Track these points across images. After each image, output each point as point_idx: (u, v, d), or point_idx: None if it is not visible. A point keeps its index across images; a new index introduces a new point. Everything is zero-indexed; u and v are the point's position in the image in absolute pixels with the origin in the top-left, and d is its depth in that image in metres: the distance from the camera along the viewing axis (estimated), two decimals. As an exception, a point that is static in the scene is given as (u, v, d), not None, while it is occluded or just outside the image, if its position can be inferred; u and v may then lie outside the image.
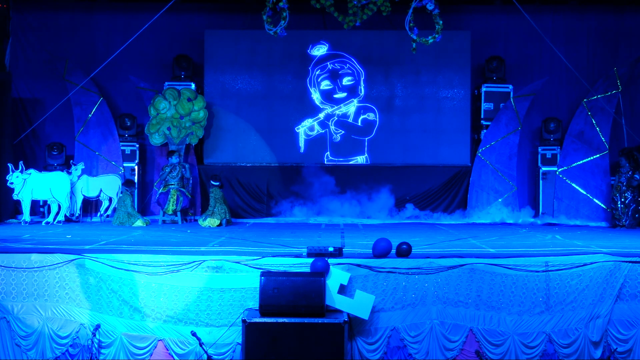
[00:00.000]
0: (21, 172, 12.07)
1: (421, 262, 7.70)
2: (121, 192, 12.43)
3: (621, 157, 12.42)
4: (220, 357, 7.50)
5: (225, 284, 7.59)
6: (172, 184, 12.69)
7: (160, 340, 7.59)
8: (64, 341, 7.66)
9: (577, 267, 7.72)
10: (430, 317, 7.64)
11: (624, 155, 12.42)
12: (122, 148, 13.78)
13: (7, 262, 7.79)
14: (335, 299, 7.33)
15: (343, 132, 14.43)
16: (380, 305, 7.57)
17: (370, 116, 14.47)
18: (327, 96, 14.49)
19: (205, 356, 7.41)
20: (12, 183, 12.03)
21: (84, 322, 7.65)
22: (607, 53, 14.38)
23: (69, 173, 12.60)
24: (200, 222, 12.07)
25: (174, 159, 12.77)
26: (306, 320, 7.04)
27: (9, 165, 12.15)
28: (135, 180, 13.55)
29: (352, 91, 14.49)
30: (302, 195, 13.76)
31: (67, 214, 12.37)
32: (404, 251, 7.84)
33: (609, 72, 13.81)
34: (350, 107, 14.47)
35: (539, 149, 13.86)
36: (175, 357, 7.54)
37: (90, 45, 14.34)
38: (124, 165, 13.70)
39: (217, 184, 12.17)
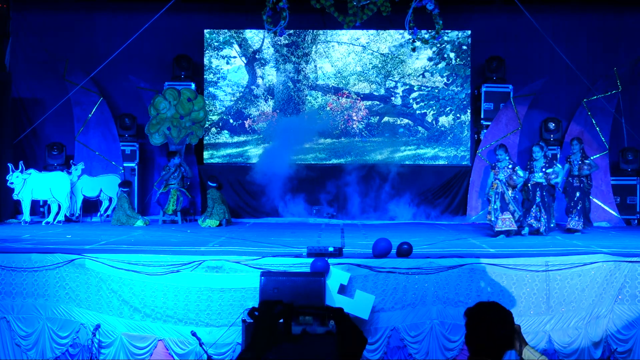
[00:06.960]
0: (21, 172, 12.06)
1: (421, 262, 7.70)
2: (118, 195, 12.40)
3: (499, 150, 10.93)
4: (220, 357, 7.50)
5: (225, 284, 7.60)
6: (172, 184, 12.68)
7: (160, 340, 7.59)
8: (64, 341, 7.66)
9: (577, 267, 7.73)
10: (430, 317, 7.64)
11: (503, 147, 10.99)
12: (122, 148, 13.75)
13: (7, 262, 7.80)
14: (335, 299, 7.33)
15: (343, 132, 14.44)
16: (380, 305, 7.56)
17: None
18: (327, 96, 14.50)
19: (205, 356, 7.41)
20: (12, 183, 12.02)
21: (84, 322, 7.66)
22: (607, 53, 14.36)
23: (69, 173, 12.58)
24: (200, 222, 12.06)
25: (176, 160, 12.74)
26: (306, 320, 7.04)
27: (9, 165, 12.13)
28: (135, 181, 13.53)
29: (352, 91, 14.50)
30: (302, 195, 13.74)
31: (67, 214, 12.35)
32: (405, 251, 7.84)
33: (609, 72, 13.79)
34: (350, 107, 14.47)
35: (539, 149, 13.83)
36: (175, 357, 7.54)
37: (90, 45, 14.32)
38: (124, 165, 13.67)
39: (214, 185, 12.14)
